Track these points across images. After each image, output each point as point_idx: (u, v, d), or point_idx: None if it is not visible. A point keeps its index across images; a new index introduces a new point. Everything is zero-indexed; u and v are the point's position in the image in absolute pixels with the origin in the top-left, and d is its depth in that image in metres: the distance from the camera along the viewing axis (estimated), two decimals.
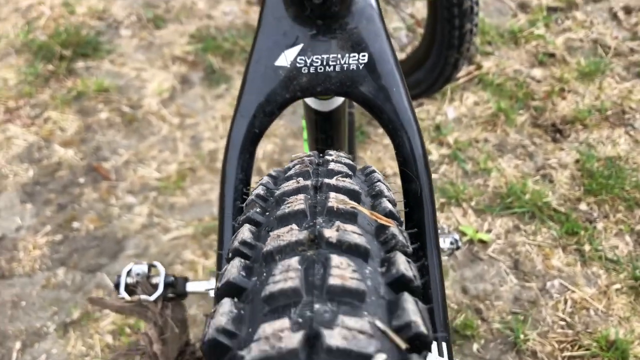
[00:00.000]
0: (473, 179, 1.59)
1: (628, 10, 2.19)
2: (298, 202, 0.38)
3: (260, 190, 0.43)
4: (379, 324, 0.30)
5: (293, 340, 0.27)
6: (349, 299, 0.31)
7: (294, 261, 0.33)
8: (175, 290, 0.68)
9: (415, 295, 0.34)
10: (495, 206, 1.53)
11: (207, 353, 0.32)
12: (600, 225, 1.51)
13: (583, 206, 1.56)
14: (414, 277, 0.34)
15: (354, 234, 0.35)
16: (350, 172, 0.41)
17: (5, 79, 1.76)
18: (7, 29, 1.91)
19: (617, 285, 1.40)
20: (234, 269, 0.36)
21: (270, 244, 0.36)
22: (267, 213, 0.42)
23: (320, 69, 0.46)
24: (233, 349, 0.31)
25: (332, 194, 0.38)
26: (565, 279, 1.40)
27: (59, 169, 1.54)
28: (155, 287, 0.67)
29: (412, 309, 0.31)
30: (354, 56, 0.46)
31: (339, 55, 0.46)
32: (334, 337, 0.27)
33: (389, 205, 0.40)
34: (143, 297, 0.65)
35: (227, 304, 0.33)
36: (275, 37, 0.47)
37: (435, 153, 1.65)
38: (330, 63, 0.46)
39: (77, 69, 1.79)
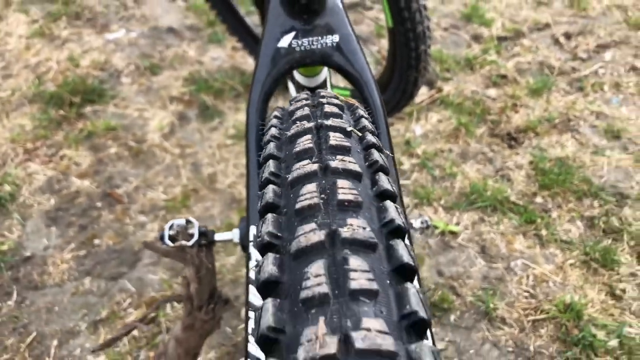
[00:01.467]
0: (441, 182, 1.82)
1: (568, 36, 2.49)
2: (307, 142, 0.53)
3: (274, 132, 0.63)
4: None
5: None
6: (351, 208, 0.47)
7: (312, 186, 0.48)
8: (207, 238, 0.88)
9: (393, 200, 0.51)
10: (462, 203, 1.75)
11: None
12: (554, 214, 1.74)
13: (539, 199, 1.79)
14: (392, 190, 0.52)
15: (351, 163, 0.51)
16: (340, 112, 0.61)
17: (22, 125, 1.97)
18: (19, 83, 2.14)
19: (571, 261, 1.61)
20: (269, 192, 0.50)
21: (293, 174, 0.50)
22: (283, 149, 0.57)
23: (308, 47, 0.69)
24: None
25: (331, 134, 0.55)
26: (527, 259, 1.62)
27: (77, 197, 1.74)
28: (191, 236, 0.87)
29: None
30: (330, 37, 0.69)
31: (320, 37, 0.69)
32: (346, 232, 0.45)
33: (373, 139, 0.60)
34: (183, 242, 0.85)
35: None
36: (277, 28, 0.70)
37: (406, 163, 1.88)
38: (314, 43, 0.69)
39: (85, 113, 2.02)
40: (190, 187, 1.79)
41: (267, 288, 0.42)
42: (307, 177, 0.48)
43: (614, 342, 1.43)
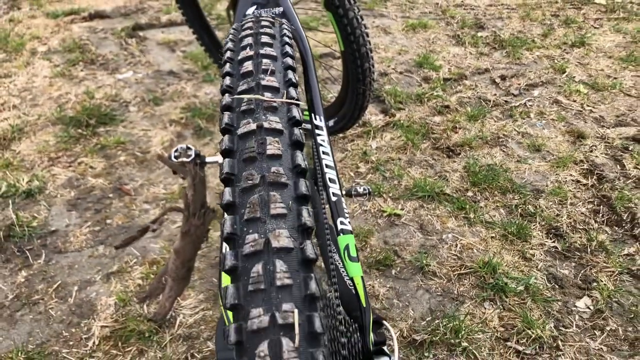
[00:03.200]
0: (390, 181, 2.24)
1: (503, 78, 2.99)
2: (249, 66, 0.95)
3: (228, 54, 0.98)
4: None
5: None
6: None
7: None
8: (200, 159, 1.28)
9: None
10: (406, 194, 2.16)
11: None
12: (482, 204, 2.15)
13: (469, 193, 2.20)
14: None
15: (274, 82, 0.94)
16: (271, 42, 1.02)
17: (47, 140, 2.39)
18: (44, 110, 2.58)
19: (492, 235, 2.01)
20: (226, 99, 0.95)
21: (239, 88, 0.95)
22: (235, 69, 1.00)
23: (264, 14, 1.13)
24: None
25: (264, 60, 0.98)
26: (457, 234, 2.01)
27: (92, 190, 2.13)
28: (190, 155, 1.27)
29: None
30: (277, 8, 1.13)
31: (271, 9, 1.13)
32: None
33: (290, 61, 1.03)
34: (184, 159, 1.25)
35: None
36: (246, 3, 1.14)
37: (363, 167, 2.30)
38: (268, 12, 1.13)
39: (99, 132, 2.45)
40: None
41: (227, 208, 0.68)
42: (247, 92, 0.86)
43: (521, 288, 1.80)
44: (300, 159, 0.60)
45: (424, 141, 2.47)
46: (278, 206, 0.54)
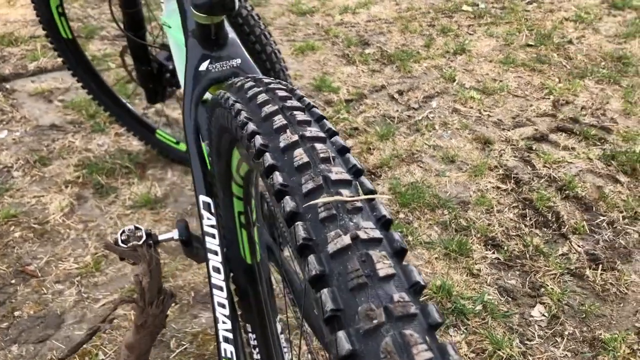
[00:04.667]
0: None
1: (400, 93, 3.02)
2: (302, 156, 0.58)
3: (260, 140, 0.63)
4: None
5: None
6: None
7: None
8: (152, 238, 1.10)
9: None
10: None
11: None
12: (415, 224, 2.12)
13: (402, 215, 2.16)
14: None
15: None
16: (308, 118, 0.68)
17: None
18: None
19: (436, 255, 1.98)
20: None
21: (305, 187, 0.56)
22: (281, 160, 0.61)
23: (220, 68, 0.98)
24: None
25: (317, 145, 0.60)
26: None
27: None
28: (140, 237, 1.09)
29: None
30: (234, 60, 0.99)
31: (228, 61, 0.99)
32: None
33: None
34: (134, 242, 1.07)
35: None
36: (196, 58, 0.99)
37: None
38: (224, 65, 0.99)
39: None
40: (99, 254, 1.95)
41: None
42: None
43: (479, 307, 1.79)
44: (416, 273, 0.48)
45: None
46: (421, 349, 0.42)
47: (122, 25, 1.83)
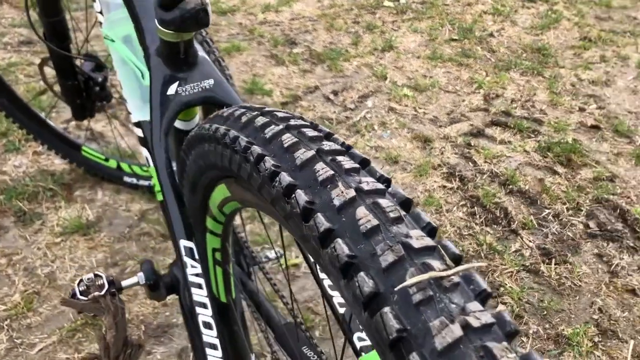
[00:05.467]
0: (272, 227, 2.04)
1: (335, 93, 2.95)
2: (368, 218, 0.48)
3: (304, 199, 0.52)
4: None
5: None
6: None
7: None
8: (115, 286, 0.96)
9: None
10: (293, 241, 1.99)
11: None
12: None
13: None
14: None
15: (423, 239, 0.50)
16: (355, 165, 0.56)
17: None
18: None
19: None
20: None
21: (383, 260, 0.46)
22: (339, 222, 0.51)
23: (191, 91, 0.87)
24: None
25: (380, 201, 0.50)
26: None
27: None
28: (102, 286, 0.95)
29: None
30: (206, 82, 0.88)
31: (199, 83, 0.87)
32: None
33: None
34: (96, 293, 0.93)
35: None
36: (162, 80, 0.87)
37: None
38: (195, 87, 0.87)
39: None
40: (29, 291, 1.75)
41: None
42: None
43: None
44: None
45: None
46: None
47: (42, 35, 1.64)
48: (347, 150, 0.57)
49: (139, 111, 1.13)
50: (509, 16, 3.92)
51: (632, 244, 2.05)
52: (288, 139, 0.57)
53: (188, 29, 0.81)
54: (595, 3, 4.06)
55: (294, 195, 0.52)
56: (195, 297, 0.88)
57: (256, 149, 0.58)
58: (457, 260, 0.46)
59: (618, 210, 2.20)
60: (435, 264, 0.44)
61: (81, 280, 0.95)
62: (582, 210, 2.20)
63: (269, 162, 0.56)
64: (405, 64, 3.29)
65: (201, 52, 0.90)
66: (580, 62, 3.34)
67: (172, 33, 0.81)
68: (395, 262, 0.44)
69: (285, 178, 0.53)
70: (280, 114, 0.64)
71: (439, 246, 0.46)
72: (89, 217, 2.04)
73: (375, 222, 0.47)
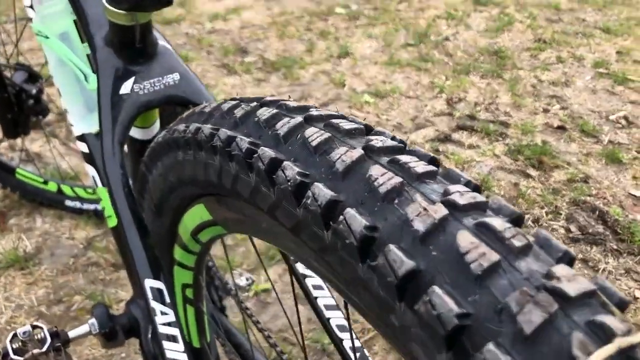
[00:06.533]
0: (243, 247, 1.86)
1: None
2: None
3: (363, 231, 0.36)
4: None
5: None
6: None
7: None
8: (60, 338, 0.77)
9: None
10: (264, 261, 1.81)
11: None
12: None
13: None
14: None
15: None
16: (429, 179, 0.42)
17: None
18: None
19: None
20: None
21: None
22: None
23: (151, 89, 0.69)
24: None
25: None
26: None
27: None
28: (42, 341, 0.75)
29: None
30: (170, 76, 0.70)
31: (161, 78, 0.69)
32: None
33: None
34: (35, 351, 0.73)
35: None
36: (113, 77, 0.68)
37: None
38: (157, 84, 0.69)
39: None
40: None
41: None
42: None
43: None
44: None
45: None
46: None
47: None
48: (404, 146, 0.41)
49: (83, 122, 0.94)
50: (463, 20, 3.87)
51: (615, 247, 1.97)
52: (315, 134, 0.41)
53: (145, 8, 0.63)
54: (544, 6, 4.07)
55: (342, 217, 0.35)
56: (170, 354, 0.69)
57: (267, 152, 0.42)
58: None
59: (597, 212, 2.11)
60: (618, 326, 0.27)
61: (15, 335, 0.75)
62: (561, 214, 2.11)
63: (291, 169, 0.39)
64: (363, 70, 3.17)
65: (162, 41, 0.72)
66: (537, 64, 3.30)
67: (125, 14, 0.63)
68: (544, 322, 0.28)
69: (322, 192, 0.36)
70: (291, 104, 0.48)
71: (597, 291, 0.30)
72: (26, 249, 1.80)
73: (494, 257, 0.31)
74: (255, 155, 0.43)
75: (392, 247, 0.33)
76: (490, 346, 0.28)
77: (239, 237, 1.88)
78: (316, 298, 0.86)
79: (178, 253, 0.73)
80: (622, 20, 3.82)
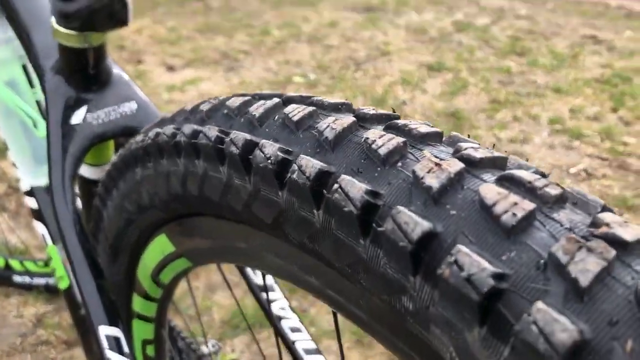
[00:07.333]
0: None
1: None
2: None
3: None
4: None
5: None
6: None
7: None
8: None
9: None
10: (228, 332, 1.69)
11: None
12: (312, 311, 1.81)
13: (294, 303, 1.84)
14: None
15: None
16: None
17: None
18: None
19: (347, 345, 1.68)
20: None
21: None
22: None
23: (106, 119, 0.62)
24: None
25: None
26: None
27: None
28: None
29: None
30: (127, 105, 0.64)
31: (117, 107, 0.63)
32: None
33: None
34: None
35: None
36: (64, 106, 0.62)
37: None
38: (112, 113, 0.63)
39: None
40: None
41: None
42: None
43: None
44: None
45: None
46: None
47: None
48: (399, 116, 0.36)
49: (32, 175, 0.87)
50: (418, 85, 3.96)
51: None
52: (296, 110, 0.35)
53: (99, 27, 0.57)
54: (496, 70, 4.21)
55: (337, 184, 0.29)
56: None
57: (241, 134, 0.36)
58: None
59: None
60: None
61: None
62: None
63: (271, 146, 0.33)
64: None
65: (117, 69, 0.66)
66: (494, 123, 3.37)
67: (77, 35, 0.57)
68: None
69: (310, 162, 0.30)
70: (265, 93, 0.42)
71: None
72: None
73: (529, 205, 0.25)
74: (227, 139, 0.37)
75: (401, 208, 0.27)
76: (540, 304, 0.22)
77: (203, 305, 1.78)
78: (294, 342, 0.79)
79: (137, 303, 0.65)
80: (571, 81, 3.97)
